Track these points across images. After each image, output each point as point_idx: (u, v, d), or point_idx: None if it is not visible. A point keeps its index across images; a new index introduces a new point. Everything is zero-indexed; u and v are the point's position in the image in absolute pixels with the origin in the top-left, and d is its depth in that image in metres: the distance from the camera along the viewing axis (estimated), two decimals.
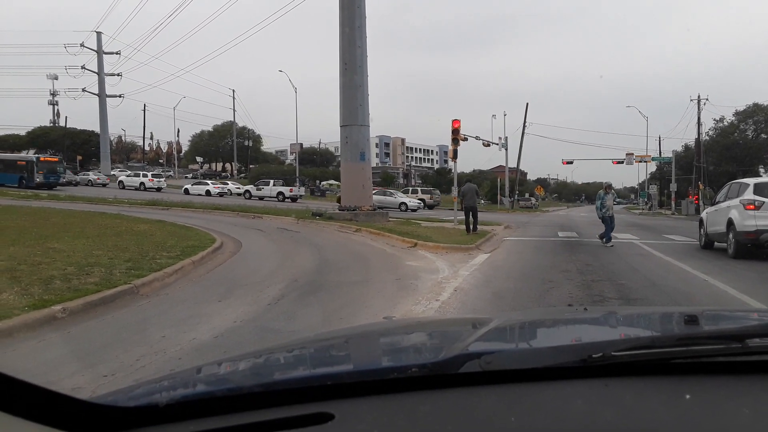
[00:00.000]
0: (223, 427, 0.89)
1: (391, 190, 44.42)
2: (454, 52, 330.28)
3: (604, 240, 15.24)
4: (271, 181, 46.87)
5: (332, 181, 65.77)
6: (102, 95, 56.44)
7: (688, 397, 0.92)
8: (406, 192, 46.41)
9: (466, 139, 30.02)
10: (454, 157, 21.10)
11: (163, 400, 0.95)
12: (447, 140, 21.92)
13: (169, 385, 1.11)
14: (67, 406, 0.85)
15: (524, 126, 56.51)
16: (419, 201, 41.39)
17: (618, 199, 22.54)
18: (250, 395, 0.97)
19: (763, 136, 56.00)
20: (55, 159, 45.90)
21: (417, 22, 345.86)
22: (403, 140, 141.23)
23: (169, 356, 4.64)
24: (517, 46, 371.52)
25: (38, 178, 40.19)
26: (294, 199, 43.55)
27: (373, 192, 41.80)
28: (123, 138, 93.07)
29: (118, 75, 56.69)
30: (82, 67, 55.91)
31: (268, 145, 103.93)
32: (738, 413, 0.88)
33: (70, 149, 73.46)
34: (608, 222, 15.45)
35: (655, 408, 0.92)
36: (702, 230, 15.03)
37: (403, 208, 37.22)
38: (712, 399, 0.93)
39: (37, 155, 45.84)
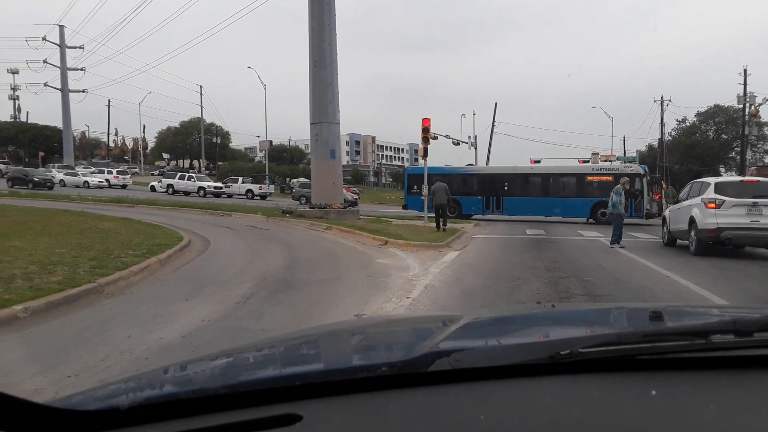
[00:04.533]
0: (186, 430, 0.87)
1: None
2: (426, 53, 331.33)
3: (613, 243, 13.85)
4: (240, 179, 46.33)
5: (302, 179, 65.35)
6: (65, 90, 54.93)
7: (654, 392, 0.93)
8: None
9: (436, 138, 30.04)
10: (425, 155, 21.20)
11: (125, 402, 0.93)
12: (417, 139, 21.97)
13: (133, 387, 1.09)
14: (22, 410, 0.81)
15: (493, 125, 57.04)
16: None
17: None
18: (216, 397, 0.94)
19: (723, 136, 57.63)
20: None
21: (389, 22, 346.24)
22: (373, 138, 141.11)
23: (136, 356, 4.55)
24: (488, 48, 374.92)
25: (647, 206, 23.91)
26: (263, 196, 43.12)
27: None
28: (87, 134, 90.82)
29: (81, 70, 55.23)
30: (44, 62, 54.39)
31: (237, 142, 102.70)
32: (703, 408, 0.90)
33: (31, 145, 71.27)
34: (619, 222, 14.10)
35: (622, 404, 0.92)
36: (665, 228, 15.38)
37: None
38: (677, 394, 0.94)
39: (642, 165, 26.44)
